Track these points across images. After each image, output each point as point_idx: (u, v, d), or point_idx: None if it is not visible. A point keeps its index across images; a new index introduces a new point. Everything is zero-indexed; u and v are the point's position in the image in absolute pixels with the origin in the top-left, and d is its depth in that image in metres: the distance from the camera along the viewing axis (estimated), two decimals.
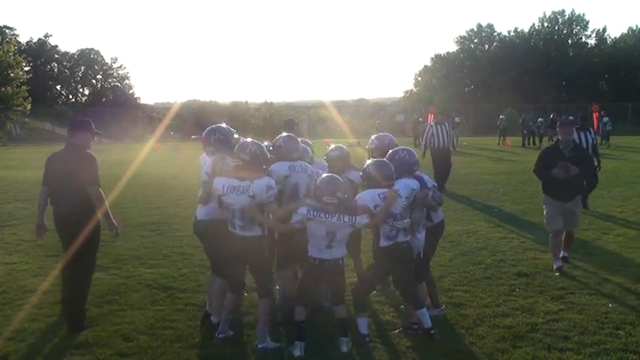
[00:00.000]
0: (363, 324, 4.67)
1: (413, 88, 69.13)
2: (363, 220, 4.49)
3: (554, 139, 8.07)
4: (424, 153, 13.40)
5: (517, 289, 5.94)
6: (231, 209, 4.60)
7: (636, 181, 14.04)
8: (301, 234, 4.63)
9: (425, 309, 4.73)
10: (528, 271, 6.55)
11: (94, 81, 68.98)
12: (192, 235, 5.53)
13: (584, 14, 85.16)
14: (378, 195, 4.59)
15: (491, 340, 4.68)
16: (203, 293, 5.77)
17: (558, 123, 6.96)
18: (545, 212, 6.83)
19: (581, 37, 63.67)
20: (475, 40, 66.49)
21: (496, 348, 4.53)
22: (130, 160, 20.44)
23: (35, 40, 65.02)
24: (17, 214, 10.71)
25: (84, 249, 5.12)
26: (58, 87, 68.45)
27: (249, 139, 4.84)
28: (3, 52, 40.78)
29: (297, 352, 4.44)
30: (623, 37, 62.90)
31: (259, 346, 4.53)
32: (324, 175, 4.72)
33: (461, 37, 66.95)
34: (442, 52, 73.67)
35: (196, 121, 42.41)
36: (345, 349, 4.49)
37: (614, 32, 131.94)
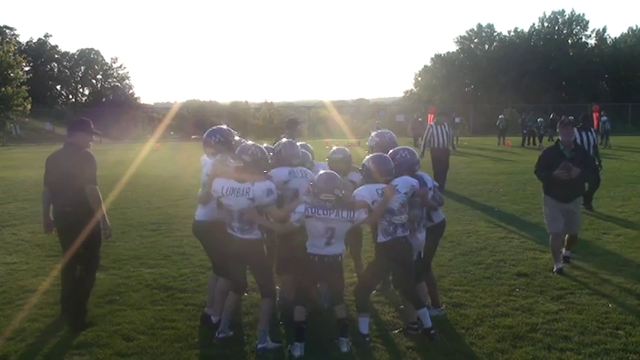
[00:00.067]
0: (364, 324, 4.67)
1: (413, 88, 69.07)
2: (361, 215, 4.49)
3: (554, 140, 8.07)
4: (423, 153, 13.43)
5: (517, 289, 5.94)
6: (230, 211, 4.60)
7: (636, 181, 14.05)
8: (301, 235, 4.63)
9: (425, 309, 4.73)
10: (528, 271, 6.55)
11: (94, 81, 69.00)
12: (193, 235, 5.53)
13: (584, 14, 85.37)
14: (377, 190, 4.58)
15: (491, 340, 4.68)
16: (203, 293, 5.77)
17: (559, 124, 6.91)
18: (545, 213, 6.80)
19: (581, 37, 63.64)
20: (475, 40, 66.44)
21: (496, 348, 4.53)
22: (130, 160, 20.47)
23: (35, 40, 65.09)
24: (17, 214, 10.71)
25: (86, 248, 5.15)
26: (58, 87, 68.49)
27: (250, 142, 4.85)
28: (3, 52, 40.79)
29: (297, 353, 4.43)
30: (623, 37, 62.87)
31: (259, 346, 4.53)
32: (322, 171, 4.72)
33: (461, 37, 66.92)
34: (442, 52, 73.67)
35: (196, 121, 42.48)
36: (345, 349, 4.48)
37: (614, 32, 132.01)
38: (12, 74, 41.21)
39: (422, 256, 5.06)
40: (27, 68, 55.27)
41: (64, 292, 5.41)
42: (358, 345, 4.57)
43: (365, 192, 4.61)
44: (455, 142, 28.39)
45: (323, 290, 5.42)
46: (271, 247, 5.90)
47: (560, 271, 6.42)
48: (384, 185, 4.60)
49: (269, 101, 51.78)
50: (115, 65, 68.74)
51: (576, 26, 63.28)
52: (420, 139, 24.55)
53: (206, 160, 5.03)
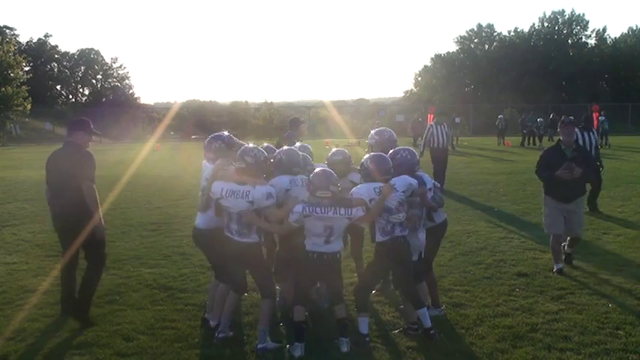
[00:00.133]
0: (364, 324, 4.67)
1: (413, 88, 69.09)
2: (358, 212, 4.49)
3: (554, 140, 8.06)
4: (422, 152, 13.47)
5: (517, 289, 5.94)
6: (229, 213, 4.60)
7: (636, 181, 14.05)
8: (300, 236, 4.63)
9: (425, 309, 4.73)
10: (528, 271, 6.55)
11: (94, 81, 69.02)
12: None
13: (584, 14, 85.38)
14: (374, 189, 4.58)
15: (491, 340, 4.68)
16: (203, 293, 5.77)
17: (560, 123, 6.86)
18: (544, 214, 6.76)
19: (581, 37, 63.65)
20: (475, 40, 66.46)
21: (496, 348, 4.53)
22: (130, 160, 20.47)
23: (35, 40, 65.11)
24: (17, 214, 10.71)
25: (89, 247, 5.24)
26: (58, 87, 68.51)
27: (251, 145, 4.85)
28: (3, 52, 40.78)
29: (297, 353, 4.43)
30: (623, 37, 62.89)
31: (259, 346, 4.53)
32: (317, 169, 4.72)
33: (461, 37, 66.95)
34: (442, 52, 73.73)
35: (196, 121, 42.51)
36: (345, 349, 4.48)
37: (614, 32, 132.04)
38: (12, 74, 41.21)
39: (422, 256, 5.06)
40: (27, 68, 55.29)
41: (64, 292, 5.42)
42: (358, 345, 4.57)
43: (362, 190, 4.61)
44: (455, 142, 28.41)
45: (323, 290, 5.42)
46: (271, 248, 5.90)
47: (560, 272, 6.42)
48: (381, 184, 4.60)
49: (269, 101, 51.79)
50: (115, 65, 68.83)
51: (576, 26, 63.30)
52: (419, 139, 24.55)
53: (206, 166, 5.03)
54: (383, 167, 4.68)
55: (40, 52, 63.98)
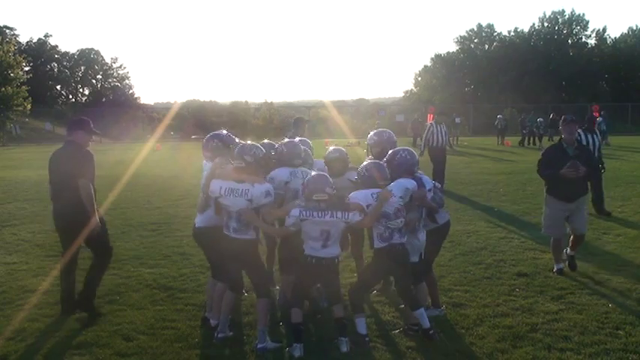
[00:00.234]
0: (362, 324, 4.66)
1: (413, 88, 69.12)
2: (355, 217, 4.49)
3: (554, 140, 8.04)
4: (423, 152, 13.49)
5: (517, 289, 5.94)
6: (228, 211, 4.60)
7: (636, 181, 14.05)
8: (300, 237, 4.63)
9: (423, 309, 4.72)
10: (528, 271, 6.55)
11: (94, 81, 69.03)
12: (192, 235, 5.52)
13: (584, 14, 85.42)
14: (371, 195, 4.58)
15: (491, 340, 4.68)
16: (203, 293, 5.77)
17: (561, 121, 6.72)
18: (544, 214, 6.68)
19: (581, 37, 63.68)
20: (475, 40, 66.48)
21: (496, 348, 4.53)
22: (130, 160, 20.47)
23: (35, 40, 65.12)
24: (17, 214, 10.72)
25: (91, 243, 5.34)
26: (58, 87, 68.53)
27: (249, 142, 4.85)
28: (3, 52, 40.80)
29: (296, 353, 4.44)
30: (623, 37, 62.91)
31: (259, 345, 4.53)
32: (313, 173, 4.72)
33: (461, 37, 66.98)
34: (442, 52, 73.73)
35: (196, 121, 42.48)
36: (344, 348, 4.48)
37: (614, 32, 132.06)
38: (12, 74, 41.23)
39: (422, 257, 5.05)
40: (27, 68, 55.32)
41: (64, 292, 5.43)
42: (358, 345, 4.57)
43: (360, 196, 4.61)
44: (455, 142, 28.42)
45: (323, 289, 5.42)
46: (272, 247, 5.91)
47: (560, 272, 6.41)
48: (379, 190, 4.59)
49: (269, 101, 51.80)
50: (115, 65, 68.84)
51: (576, 26, 63.32)
52: (418, 139, 24.55)
53: (206, 165, 5.04)
54: (380, 174, 4.68)
55: (40, 52, 63.99)
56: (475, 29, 66.39)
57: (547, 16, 64.15)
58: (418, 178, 4.94)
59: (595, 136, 9.69)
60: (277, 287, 5.87)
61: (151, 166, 19.72)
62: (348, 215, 4.46)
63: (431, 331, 4.67)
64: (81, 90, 69.63)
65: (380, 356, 4.48)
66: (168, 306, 5.61)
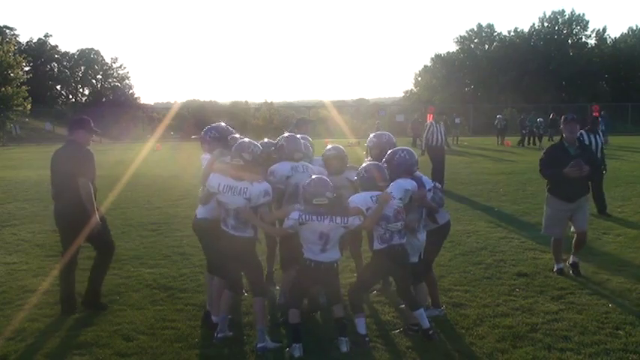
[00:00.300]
0: (361, 324, 4.66)
1: (413, 88, 69.15)
2: (355, 221, 4.47)
3: (554, 140, 8.02)
4: (424, 152, 13.51)
5: (517, 289, 5.93)
6: (226, 209, 4.60)
7: (636, 181, 14.05)
8: (299, 237, 4.62)
9: (422, 310, 4.72)
10: (528, 271, 6.55)
11: (94, 81, 69.07)
12: (192, 235, 5.52)
13: (584, 14, 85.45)
14: (371, 197, 4.57)
15: (491, 340, 4.68)
16: (203, 293, 5.76)
17: (562, 120, 6.65)
18: (545, 214, 6.66)
19: (581, 37, 63.71)
20: (475, 40, 66.50)
21: (496, 348, 4.52)
22: (130, 160, 20.47)
23: (35, 40, 65.15)
24: (17, 214, 10.71)
25: (92, 241, 5.39)
26: (58, 87, 68.57)
27: (247, 139, 4.84)
28: (3, 52, 40.81)
29: (296, 353, 4.43)
30: (623, 37, 62.94)
31: (258, 345, 4.52)
32: (313, 176, 4.71)
33: (461, 37, 67.02)
34: (442, 52, 73.81)
35: (196, 121, 42.42)
36: (344, 348, 4.48)
37: (614, 32, 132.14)
38: (12, 74, 41.24)
39: (422, 257, 5.05)
40: (27, 68, 55.31)
41: (64, 291, 5.43)
42: (358, 345, 4.56)
43: (359, 199, 4.60)
44: (455, 142, 28.42)
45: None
46: (272, 247, 5.91)
47: (560, 272, 6.40)
48: (378, 192, 4.59)
49: (269, 101, 51.80)
50: (115, 65, 68.92)
51: (576, 26, 63.36)
52: (418, 139, 24.59)
53: (205, 158, 5.03)
54: (380, 175, 4.67)
55: (40, 52, 64.02)
56: (475, 29, 66.44)
57: (547, 16, 64.25)
58: (418, 178, 4.93)
59: (598, 136, 9.67)
60: (277, 287, 5.86)
61: (151, 166, 19.71)
62: (347, 220, 4.45)
63: (430, 331, 4.66)
64: (81, 90, 69.71)
65: (380, 356, 4.47)
66: (168, 306, 5.61)
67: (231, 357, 4.51)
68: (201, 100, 62.90)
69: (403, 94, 71.70)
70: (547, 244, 6.97)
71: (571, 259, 6.52)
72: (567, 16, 63.30)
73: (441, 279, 6.18)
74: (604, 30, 64.19)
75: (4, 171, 19.15)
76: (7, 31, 60.17)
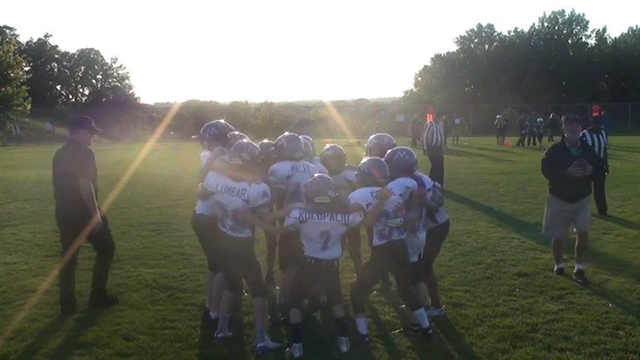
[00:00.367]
0: (362, 324, 4.66)
1: (413, 88, 69.13)
2: (356, 218, 4.48)
3: (554, 140, 8.01)
4: (425, 151, 13.51)
5: (517, 289, 5.93)
6: (224, 209, 4.60)
7: (636, 181, 14.04)
8: (299, 236, 4.62)
9: (422, 309, 4.72)
10: (528, 271, 6.55)
11: (94, 81, 69.07)
12: (192, 235, 5.52)
13: (584, 14, 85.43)
14: (371, 193, 4.57)
15: (491, 340, 4.68)
16: (203, 293, 5.76)
17: (563, 120, 6.58)
18: (546, 215, 6.61)
19: (581, 37, 63.70)
20: (475, 40, 66.49)
21: (496, 348, 4.52)
22: (130, 160, 20.47)
23: (35, 40, 65.15)
24: (17, 214, 10.71)
25: (92, 240, 5.41)
26: (58, 87, 68.58)
27: (245, 140, 4.84)
28: (3, 52, 40.82)
29: (296, 353, 4.43)
30: (623, 37, 62.93)
31: (258, 345, 4.52)
32: (315, 175, 4.72)
33: (461, 37, 67.00)
34: (442, 52, 73.79)
35: (196, 121, 42.40)
36: (344, 348, 4.48)
37: (614, 32, 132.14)
38: (12, 74, 41.25)
39: (421, 256, 5.05)
40: (27, 68, 55.32)
41: (63, 291, 5.44)
42: (358, 345, 4.56)
43: (359, 195, 4.60)
44: (455, 142, 28.41)
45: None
46: (272, 246, 5.91)
47: (560, 272, 6.40)
48: (378, 188, 4.59)
49: (269, 101, 51.83)
50: (115, 65, 68.91)
51: (576, 26, 63.35)
52: (418, 139, 24.56)
53: (205, 155, 5.03)
54: (380, 171, 4.68)
55: (40, 52, 64.02)
56: (475, 29, 66.42)
57: (547, 16, 64.22)
58: (418, 178, 4.94)
59: (600, 136, 9.64)
60: (277, 287, 5.86)
61: (151, 166, 19.72)
62: (347, 217, 4.45)
63: (430, 331, 4.66)
64: (81, 90, 69.72)
65: (380, 356, 4.47)
66: (168, 306, 5.61)
67: (231, 357, 4.51)
68: (201, 100, 62.96)
69: (403, 94, 71.70)
70: (547, 244, 6.97)
71: (576, 267, 6.36)
72: (567, 16, 63.30)
73: (441, 279, 6.18)
74: (604, 30, 64.26)
75: (4, 171, 19.16)
76: (7, 31, 60.21)
